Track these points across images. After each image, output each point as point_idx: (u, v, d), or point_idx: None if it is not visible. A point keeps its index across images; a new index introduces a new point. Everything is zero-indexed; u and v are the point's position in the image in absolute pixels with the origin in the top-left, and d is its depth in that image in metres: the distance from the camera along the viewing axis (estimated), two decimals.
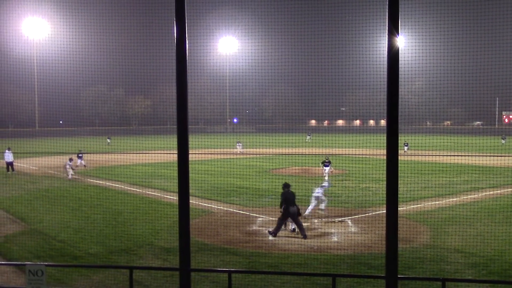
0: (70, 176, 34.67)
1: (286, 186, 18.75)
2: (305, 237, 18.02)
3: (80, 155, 41.32)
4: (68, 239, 18.21)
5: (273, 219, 21.00)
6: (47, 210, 22.56)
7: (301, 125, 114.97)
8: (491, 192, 28.10)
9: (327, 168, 33.42)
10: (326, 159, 33.92)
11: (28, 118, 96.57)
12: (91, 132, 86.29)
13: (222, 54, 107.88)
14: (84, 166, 40.74)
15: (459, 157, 35.74)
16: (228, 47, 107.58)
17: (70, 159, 35.25)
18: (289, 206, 18.10)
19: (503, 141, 69.40)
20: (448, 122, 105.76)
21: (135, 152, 47.75)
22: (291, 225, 18.93)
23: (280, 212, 18.42)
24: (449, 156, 35.99)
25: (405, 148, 54.84)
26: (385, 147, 9.39)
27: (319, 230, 19.50)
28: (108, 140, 68.37)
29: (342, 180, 33.01)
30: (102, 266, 14.99)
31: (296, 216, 18.22)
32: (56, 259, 15.79)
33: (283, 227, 18.82)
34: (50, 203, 24.43)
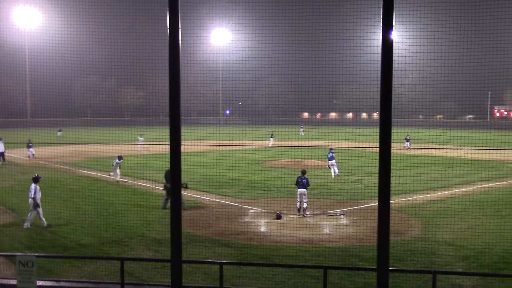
0: (118, 178, 29.50)
1: None
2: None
3: (30, 144, 41.85)
4: (59, 230, 18.15)
5: (265, 211, 21.04)
6: None
7: (293, 117, 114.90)
8: (482, 186, 28.28)
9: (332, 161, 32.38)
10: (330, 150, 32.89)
11: (19, 109, 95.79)
12: (83, 123, 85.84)
13: (215, 45, 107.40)
14: (33, 155, 41.41)
15: (450, 150, 35.90)
16: (221, 39, 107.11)
17: (120, 157, 29.81)
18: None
19: None
20: (441, 115, 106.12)
21: (127, 143, 47.56)
22: (304, 204, 20.44)
23: (163, 189, 21.63)
24: (441, 149, 36.14)
25: (407, 143, 50.83)
26: (378, 141, 9.39)
27: (311, 222, 19.54)
28: (59, 133, 63.02)
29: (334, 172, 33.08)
30: (93, 257, 14.95)
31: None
32: (47, 250, 15.73)
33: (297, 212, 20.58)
34: (41, 194, 24.24)
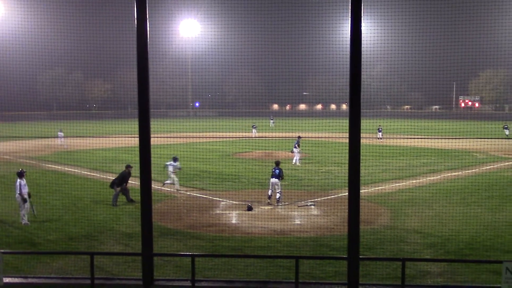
0: (177, 185, 23.84)
1: (127, 167, 22.25)
2: (128, 199, 21.28)
3: None
4: (26, 225, 17.75)
5: (236, 203, 21.05)
6: (3, 196, 21.86)
7: (263, 109, 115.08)
8: (448, 174, 28.91)
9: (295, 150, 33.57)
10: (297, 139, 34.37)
11: None
12: (48, 117, 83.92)
13: (183, 37, 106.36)
14: None
15: (417, 140, 36.54)
16: (189, 30, 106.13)
17: (175, 159, 24.21)
18: (123, 183, 21.64)
19: (507, 132, 56.06)
20: (407, 106, 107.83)
21: (94, 136, 46.79)
22: (277, 194, 20.64)
23: (116, 187, 21.56)
24: (408, 139, 36.79)
25: (379, 134, 50.52)
26: (347, 131, 9.48)
27: (282, 213, 19.65)
28: None
29: (304, 163, 33.34)
30: (62, 253, 14.70)
31: (127, 190, 21.86)
32: (14, 246, 15.38)
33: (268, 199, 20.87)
34: (6, 189, 23.64)
